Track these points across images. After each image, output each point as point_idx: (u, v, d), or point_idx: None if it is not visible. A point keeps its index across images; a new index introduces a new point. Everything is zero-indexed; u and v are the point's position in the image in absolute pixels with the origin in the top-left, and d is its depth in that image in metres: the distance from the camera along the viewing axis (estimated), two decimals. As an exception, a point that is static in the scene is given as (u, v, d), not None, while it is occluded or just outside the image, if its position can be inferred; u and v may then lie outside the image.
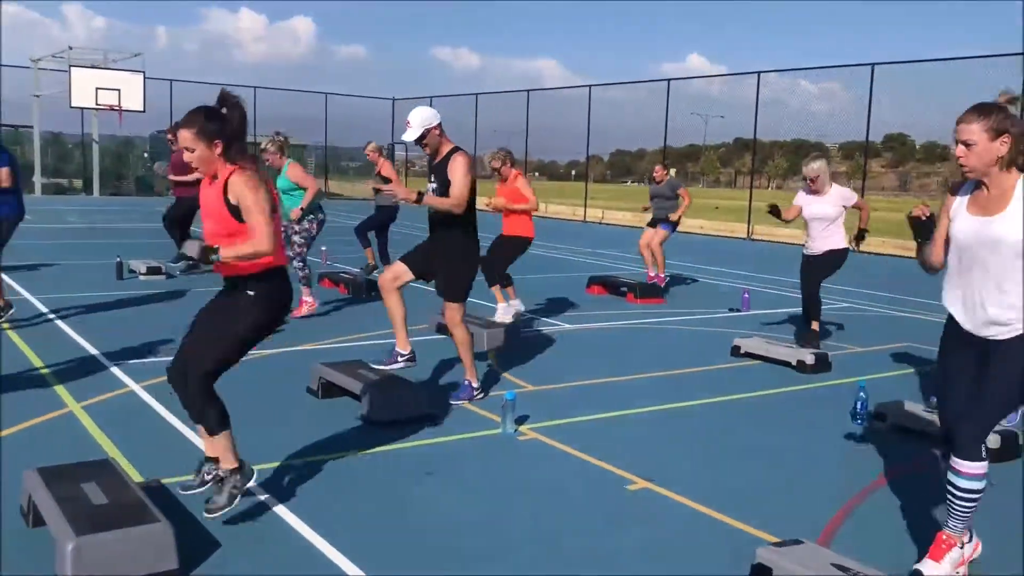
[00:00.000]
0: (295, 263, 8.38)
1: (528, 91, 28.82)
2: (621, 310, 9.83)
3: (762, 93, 21.51)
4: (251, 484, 3.80)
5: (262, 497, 4.05)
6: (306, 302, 8.56)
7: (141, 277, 10.79)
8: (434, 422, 5.32)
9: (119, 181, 30.81)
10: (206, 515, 3.67)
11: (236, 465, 3.73)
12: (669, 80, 24.35)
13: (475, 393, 5.83)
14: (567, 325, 8.73)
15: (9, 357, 6.49)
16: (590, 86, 26.45)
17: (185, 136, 3.59)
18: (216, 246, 3.55)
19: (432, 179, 5.68)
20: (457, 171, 5.49)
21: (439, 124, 5.58)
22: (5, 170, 7.40)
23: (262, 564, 3.43)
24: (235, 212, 3.62)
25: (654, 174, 11.90)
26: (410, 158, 39.84)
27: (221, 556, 3.47)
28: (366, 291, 9.96)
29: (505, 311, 8.40)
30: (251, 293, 3.68)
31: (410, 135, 5.49)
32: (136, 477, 4.16)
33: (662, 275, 11.41)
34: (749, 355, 7.43)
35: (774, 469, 4.79)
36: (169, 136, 11.92)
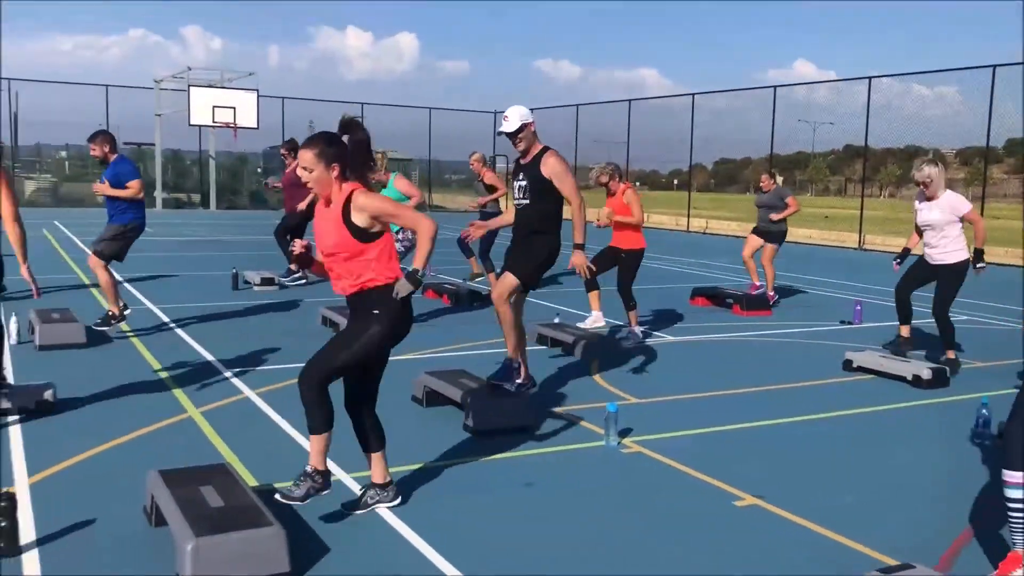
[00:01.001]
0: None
1: (630, 100, 28.66)
2: (726, 322, 9.63)
3: (873, 98, 20.83)
4: (325, 493, 3.88)
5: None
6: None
7: (255, 288, 11.16)
8: (536, 433, 5.32)
9: (234, 195, 32.03)
10: (277, 497, 3.77)
11: (323, 469, 3.86)
12: (776, 87, 23.84)
13: (515, 366, 5.83)
14: (670, 337, 8.61)
15: (133, 364, 6.81)
16: (693, 94, 26.12)
17: (306, 156, 3.72)
18: (415, 268, 3.74)
19: (521, 177, 5.77)
20: (557, 168, 5.62)
21: (533, 123, 5.73)
22: (137, 182, 7.85)
23: (369, 568, 3.49)
24: (356, 233, 3.72)
25: (760, 183, 11.64)
26: (510, 170, 40.11)
27: (330, 560, 3.54)
28: (468, 301, 10.06)
29: (596, 318, 8.71)
30: (376, 312, 3.80)
31: (508, 126, 5.63)
32: (250, 481, 4.30)
33: (771, 292, 11.04)
34: (862, 369, 7.17)
35: (889, 488, 4.60)
36: (283, 151, 12.28)
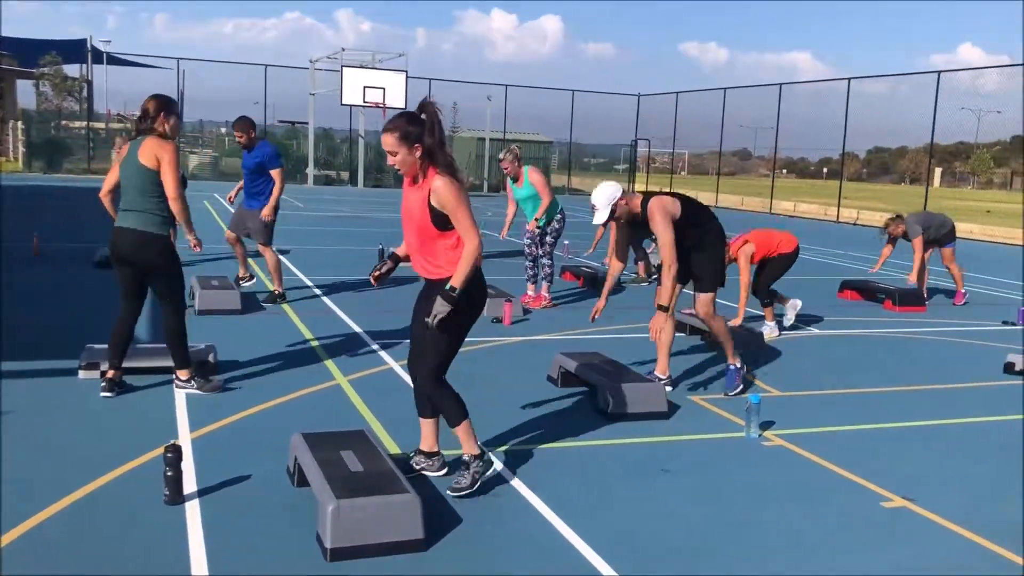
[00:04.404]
0: (543, 260, 8.78)
1: (780, 84, 27.72)
2: (877, 317, 9.21)
3: (1050, 85, 19.34)
4: (491, 473, 4.00)
5: (506, 478, 4.18)
6: (544, 297, 8.85)
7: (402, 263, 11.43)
8: (672, 420, 5.25)
9: (380, 174, 32.99)
10: (450, 493, 3.89)
11: (477, 452, 3.96)
12: (939, 72, 22.50)
13: (742, 372, 5.91)
14: (816, 330, 8.31)
15: (285, 331, 7.13)
16: (849, 79, 25.00)
17: (388, 140, 3.73)
18: (451, 286, 3.71)
19: (651, 235, 5.72)
20: (656, 222, 5.46)
21: (623, 191, 5.56)
22: (280, 171, 8.17)
23: (500, 539, 3.54)
24: (437, 219, 3.74)
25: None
26: (652, 155, 39.59)
27: (462, 530, 3.61)
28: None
29: (771, 328, 8.03)
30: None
31: (600, 217, 5.55)
32: (391, 448, 4.43)
33: (961, 291, 10.37)
34: (1026, 373, 6.72)
35: (1055, 501, 4.28)
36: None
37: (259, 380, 5.67)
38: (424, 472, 4.14)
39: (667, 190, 5.68)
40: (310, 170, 30.73)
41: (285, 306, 8.19)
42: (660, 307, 5.50)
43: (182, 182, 6.16)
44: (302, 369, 5.99)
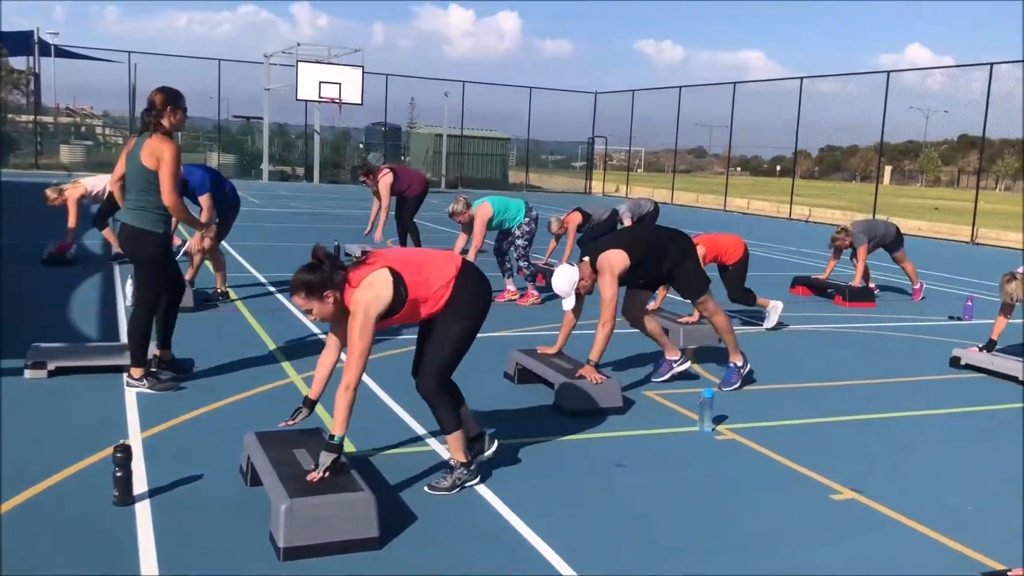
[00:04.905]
0: (520, 263, 8.93)
1: (734, 83, 28.04)
2: (827, 312, 9.37)
3: (993, 86, 19.80)
4: (473, 483, 4.04)
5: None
6: (532, 294, 9.02)
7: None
8: (627, 415, 5.29)
9: (336, 169, 32.76)
10: (427, 490, 3.95)
11: (465, 460, 4.01)
12: (888, 72, 22.93)
13: (743, 371, 6.01)
14: (765, 328, 8.42)
15: (239, 329, 7.05)
16: (801, 78, 25.37)
17: (298, 302, 3.67)
18: (331, 435, 3.59)
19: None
20: (603, 282, 5.50)
21: (579, 271, 5.52)
22: (206, 197, 7.86)
23: (456, 536, 3.54)
24: (385, 317, 3.72)
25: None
26: (609, 152, 39.81)
27: (418, 527, 3.60)
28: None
29: (774, 310, 8.29)
30: (450, 319, 3.89)
31: (569, 303, 5.56)
32: (347, 447, 4.40)
33: (917, 286, 10.65)
34: (970, 367, 6.88)
35: (997, 490, 4.40)
36: (363, 179, 11.69)
37: (212, 379, 5.60)
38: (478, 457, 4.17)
39: (617, 242, 5.69)
40: (265, 166, 30.40)
41: (239, 303, 8.10)
42: (589, 360, 5.43)
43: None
44: (256, 367, 5.93)
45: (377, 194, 11.41)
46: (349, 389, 3.58)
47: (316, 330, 7.16)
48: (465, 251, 8.57)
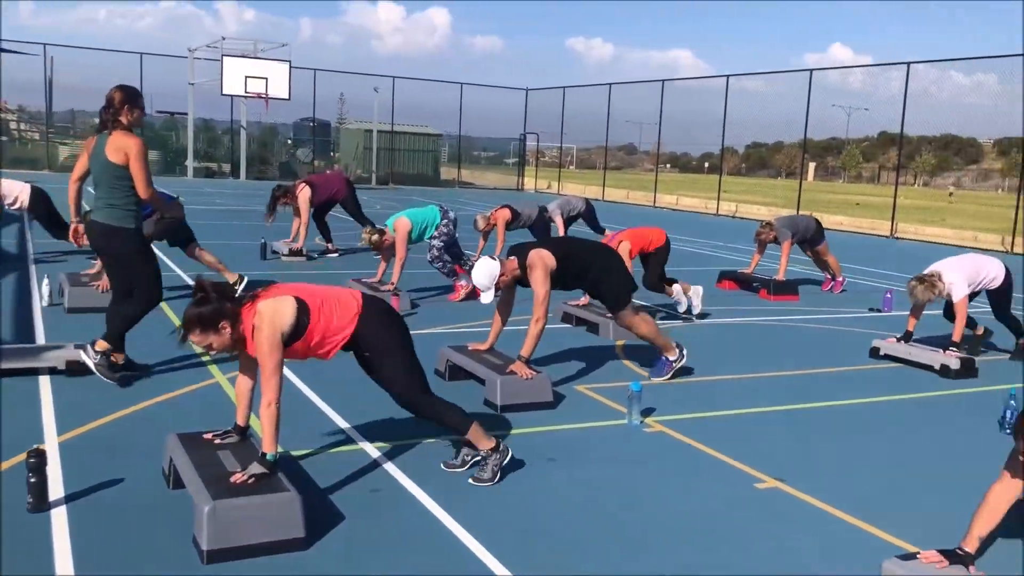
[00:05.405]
0: (435, 265, 9.01)
1: (663, 81, 28.41)
2: (753, 306, 9.56)
3: (911, 85, 20.44)
4: (508, 459, 4.13)
5: (389, 472, 4.15)
6: (460, 286, 9.00)
7: (283, 258, 11.24)
8: (558, 410, 5.32)
9: (264, 166, 32.19)
10: (472, 482, 4.06)
11: (493, 445, 4.07)
12: (811, 70, 23.50)
13: (675, 365, 6.13)
14: (696, 320, 8.55)
15: (162, 328, 6.87)
16: (727, 76, 25.82)
17: (196, 340, 3.59)
18: (264, 453, 3.51)
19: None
20: (535, 278, 5.45)
21: (500, 264, 5.44)
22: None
23: (383, 534, 3.51)
24: (287, 342, 3.66)
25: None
26: (541, 149, 39.99)
27: (345, 526, 3.56)
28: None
29: (684, 296, 8.46)
30: (368, 335, 3.88)
31: (487, 297, 5.46)
32: (271, 447, 4.33)
33: (840, 279, 10.95)
34: (889, 357, 7.10)
35: (913, 476, 4.55)
36: (284, 200, 11.52)
37: (134, 379, 5.45)
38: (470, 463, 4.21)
39: (545, 245, 5.68)
40: (190, 162, 29.71)
41: (163, 304, 7.89)
42: (520, 356, 5.43)
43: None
44: (179, 368, 5.80)
45: (297, 210, 11.37)
46: (271, 406, 3.52)
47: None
48: (387, 277, 8.55)
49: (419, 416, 4.11)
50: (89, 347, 5.35)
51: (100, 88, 5.22)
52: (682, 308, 8.47)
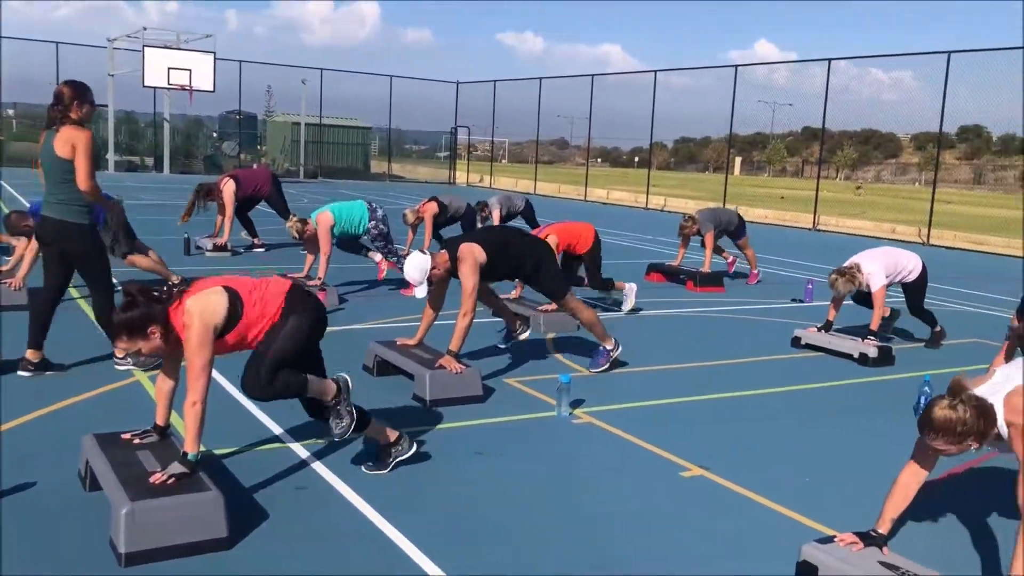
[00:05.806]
0: (375, 258, 9.18)
1: (592, 76, 28.60)
2: (680, 297, 9.71)
3: (832, 81, 20.97)
4: (410, 454, 4.12)
5: (315, 470, 4.10)
6: (383, 264, 9.16)
7: (207, 254, 11.02)
8: (487, 403, 5.33)
9: (188, 159, 31.47)
10: (365, 471, 4.08)
11: (393, 438, 4.12)
12: (736, 66, 23.94)
13: (612, 355, 6.19)
14: (624, 312, 8.65)
15: (80, 326, 6.67)
16: (655, 71, 26.13)
17: (124, 347, 3.51)
18: (184, 452, 3.44)
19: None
20: (464, 271, 5.46)
21: (432, 259, 5.41)
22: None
23: (308, 532, 3.47)
24: (217, 337, 3.57)
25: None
26: (473, 143, 39.95)
27: (269, 525, 3.51)
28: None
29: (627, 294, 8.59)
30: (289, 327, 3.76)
31: (422, 291, 5.42)
32: (193, 446, 4.23)
33: (755, 271, 11.20)
34: (810, 347, 7.28)
35: (832, 462, 4.68)
36: (207, 198, 11.35)
37: (49, 380, 5.29)
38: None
39: (476, 238, 5.70)
40: (110, 155, 28.85)
41: (80, 301, 7.66)
42: (449, 350, 5.41)
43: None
44: (97, 366, 5.64)
45: (222, 206, 11.22)
46: (196, 405, 3.43)
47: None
48: (313, 272, 8.49)
49: (265, 400, 3.85)
50: (23, 361, 5.36)
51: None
52: (627, 307, 8.54)
